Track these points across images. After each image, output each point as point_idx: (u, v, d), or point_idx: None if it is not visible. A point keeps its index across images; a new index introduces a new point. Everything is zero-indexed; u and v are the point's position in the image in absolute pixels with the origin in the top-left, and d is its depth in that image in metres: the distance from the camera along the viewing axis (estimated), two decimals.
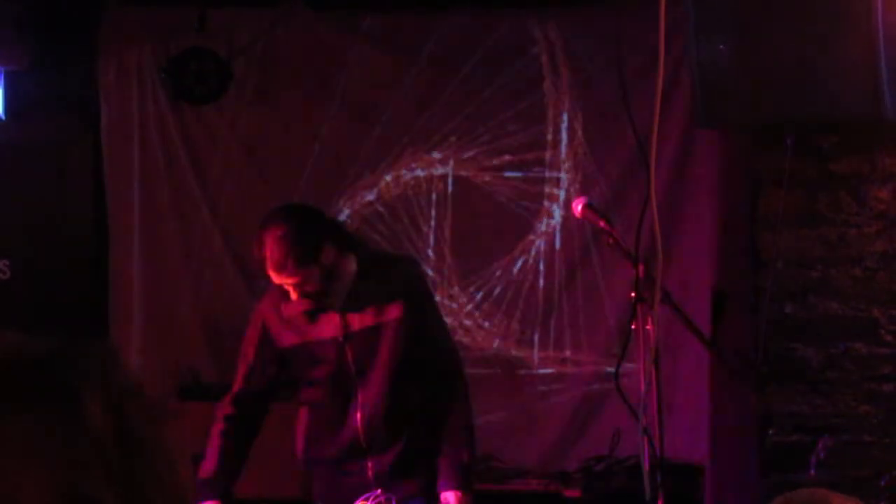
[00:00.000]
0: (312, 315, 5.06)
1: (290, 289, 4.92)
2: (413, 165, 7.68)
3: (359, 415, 5.10)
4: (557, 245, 7.61)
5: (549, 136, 7.60)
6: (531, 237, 7.62)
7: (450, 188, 7.67)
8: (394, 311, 5.05)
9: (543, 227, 7.61)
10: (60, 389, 1.25)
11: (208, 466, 5.06)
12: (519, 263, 7.63)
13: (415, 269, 5.35)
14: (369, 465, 5.13)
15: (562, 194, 7.58)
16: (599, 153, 7.52)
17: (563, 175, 7.60)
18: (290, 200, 7.45)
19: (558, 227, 7.60)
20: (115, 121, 7.54)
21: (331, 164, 7.63)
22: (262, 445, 5.25)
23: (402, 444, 5.13)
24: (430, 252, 7.66)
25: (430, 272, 7.48)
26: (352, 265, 5.02)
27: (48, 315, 7.03)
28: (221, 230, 7.60)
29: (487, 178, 7.65)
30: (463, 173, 7.66)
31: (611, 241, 4.74)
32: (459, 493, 5.02)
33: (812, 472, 5.63)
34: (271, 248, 4.82)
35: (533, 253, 7.62)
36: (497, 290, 7.65)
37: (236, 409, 5.15)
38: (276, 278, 4.90)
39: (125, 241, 7.54)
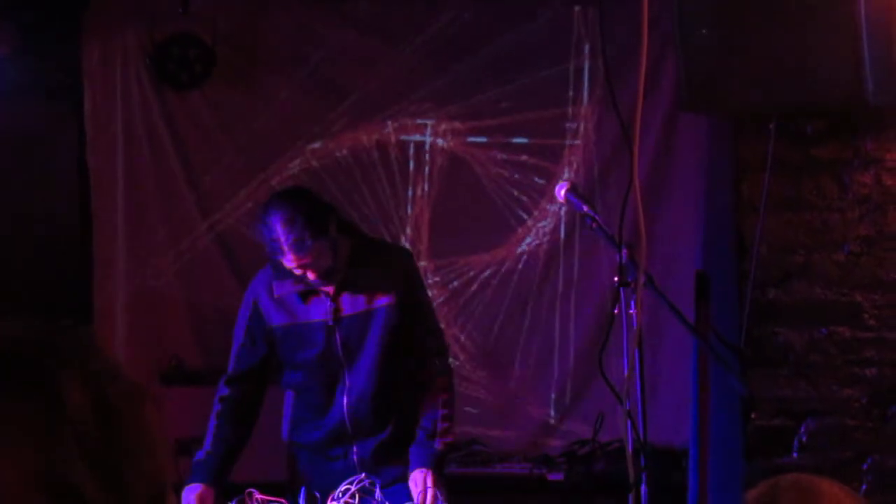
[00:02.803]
0: (304, 296, 5.07)
1: (309, 270, 4.92)
2: (403, 134, 7.66)
3: (345, 399, 5.12)
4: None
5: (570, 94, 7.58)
6: (529, 222, 7.62)
7: (435, 159, 7.66)
8: (385, 299, 5.07)
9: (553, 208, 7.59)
10: (40, 374, 1.25)
11: (203, 449, 5.09)
12: (527, 242, 7.63)
13: (408, 259, 5.36)
14: (354, 449, 5.14)
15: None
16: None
17: (577, 142, 7.57)
18: (273, 185, 7.47)
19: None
20: (99, 106, 7.52)
21: (315, 148, 7.63)
22: None
23: (387, 431, 5.15)
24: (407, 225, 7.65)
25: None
26: (346, 246, 5.03)
27: (32, 302, 7.01)
28: (205, 215, 7.60)
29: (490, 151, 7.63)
30: (460, 143, 7.65)
31: (594, 225, 4.75)
32: (430, 472, 5.02)
33: (795, 455, 5.65)
34: (285, 230, 4.81)
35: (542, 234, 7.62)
36: (492, 283, 7.65)
37: (231, 390, 5.16)
38: (293, 259, 4.89)
39: (109, 226, 7.53)
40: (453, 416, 5.21)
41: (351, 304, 5.07)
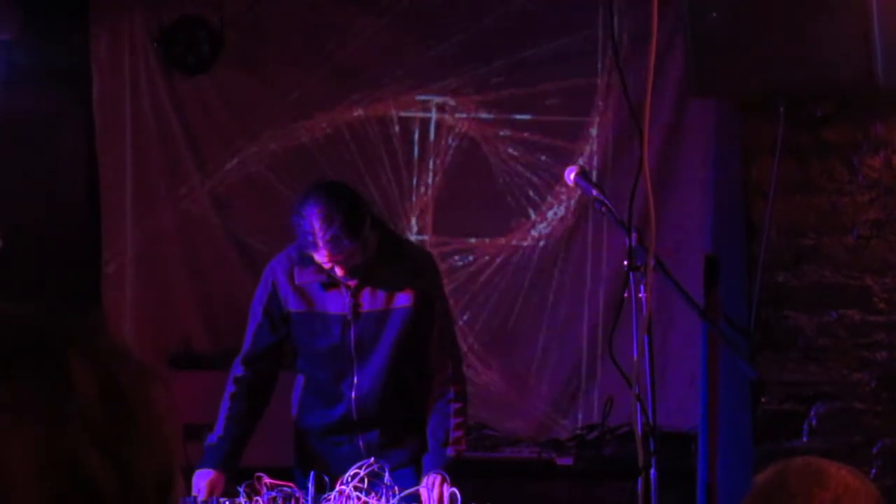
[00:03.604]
0: (324, 287, 5.07)
1: (338, 266, 4.91)
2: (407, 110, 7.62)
3: (353, 394, 5.12)
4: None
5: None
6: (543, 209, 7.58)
7: (443, 138, 7.62)
8: (404, 300, 5.06)
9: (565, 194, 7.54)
10: (47, 354, 1.25)
11: (215, 433, 5.08)
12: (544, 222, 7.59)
13: (430, 262, 5.34)
14: (360, 437, 5.15)
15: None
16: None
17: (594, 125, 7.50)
18: (283, 168, 7.46)
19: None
20: (107, 90, 7.52)
21: (317, 127, 7.62)
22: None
23: (394, 420, 5.15)
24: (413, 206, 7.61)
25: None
26: (374, 242, 5.02)
27: (41, 285, 7.02)
28: (213, 198, 7.60)
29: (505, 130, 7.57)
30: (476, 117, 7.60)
31: (603, 209, 4.74)
32: (442, 476, 5.01)
33: (804, 439, 5.64)
34: (323, 227, 4.79)
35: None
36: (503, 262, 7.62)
37: (247, 370, 5.16)
38: (326, 256, 4.87)
39: (118, 210, 7.53)
40: (465, 425, 5.22)
41: (370, 300, 5.07)
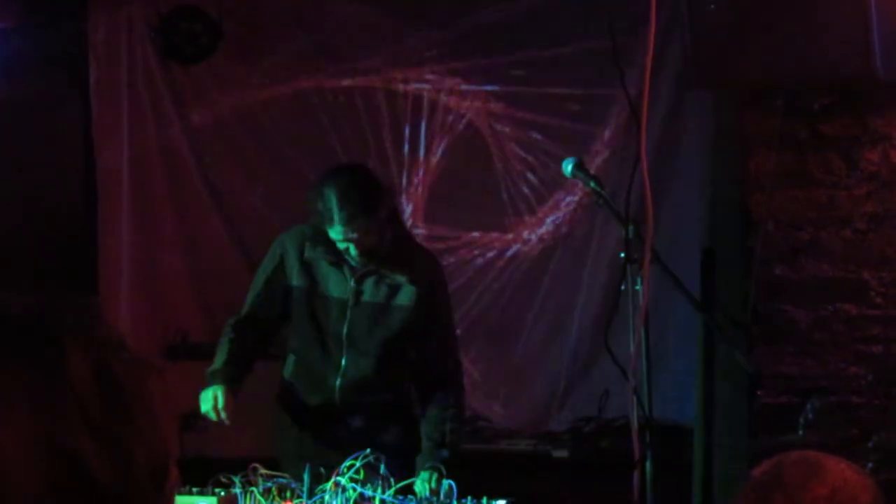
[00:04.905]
0: (331, 268, 5.08)
1: (353, 243, 4.93)
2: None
3: (339, 381, 5.13)
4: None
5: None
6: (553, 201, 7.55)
7: (442, 123, 7.59)
8: (405, 301, 5.08)
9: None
10: (43, 343, 1.25)
11: (217, 361, 5.07)
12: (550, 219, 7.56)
13: (437, 267, 5.37)
14: (342, 422, 5.16)
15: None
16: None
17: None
18: (279, 160, 7.45)
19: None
20: (104, 79, 7.51)
21: (320, 119, 7.61)
22: (245, 405, 5.25)
23: (376, 410, 5.17)
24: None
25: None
26: (389, 235, 5.04)
27: (36, 275, 7.00)
28: (210, 189, 7.59)
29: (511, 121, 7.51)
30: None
31: (601, 201, 4.74)
32: (439, 472, 5.01)
33: (800, 433, 5.64)
34: (340, 203, 4.84)
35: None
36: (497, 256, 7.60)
37: (245, 323, 5.20)
38: (341, 231, 4.90)
39: (114, 200, 7.52)
40: (462, 430, 5.24)
41: (373, 292, 5.09)
